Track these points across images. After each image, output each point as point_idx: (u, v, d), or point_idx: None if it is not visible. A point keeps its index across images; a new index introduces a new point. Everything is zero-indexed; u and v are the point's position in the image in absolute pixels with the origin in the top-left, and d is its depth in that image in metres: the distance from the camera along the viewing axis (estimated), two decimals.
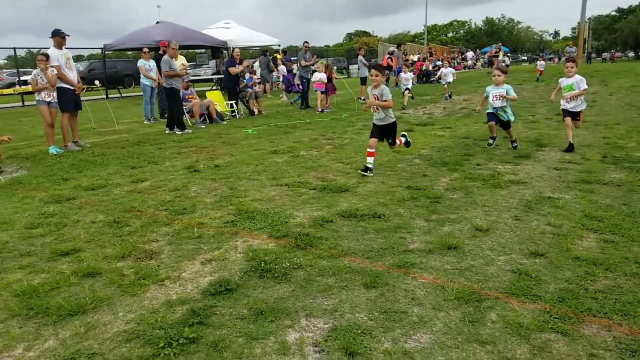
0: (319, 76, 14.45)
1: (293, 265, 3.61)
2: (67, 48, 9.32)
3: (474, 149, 7.80)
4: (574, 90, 7.35)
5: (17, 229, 4.69)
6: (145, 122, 13.36)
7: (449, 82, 17.48)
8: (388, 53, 21.62)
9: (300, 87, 16.24)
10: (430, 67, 26.46)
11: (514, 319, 2.86)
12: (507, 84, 7.58)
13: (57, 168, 7.52)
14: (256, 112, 14.31)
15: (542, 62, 25.82)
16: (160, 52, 12.82)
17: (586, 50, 42.84)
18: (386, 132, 6.42)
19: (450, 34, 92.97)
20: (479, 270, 3.50)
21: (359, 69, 18.87)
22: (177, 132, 10.95)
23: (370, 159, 6.27)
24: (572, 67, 7.43)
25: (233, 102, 13.95)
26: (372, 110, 6.43)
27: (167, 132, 11.11)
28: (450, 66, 27.06)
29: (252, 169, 6.94)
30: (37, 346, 2.73)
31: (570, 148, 7.30)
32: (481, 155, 7.31)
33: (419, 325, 2.82)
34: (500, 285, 3.28)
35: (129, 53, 34.73)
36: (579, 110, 7.46)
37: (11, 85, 26.45)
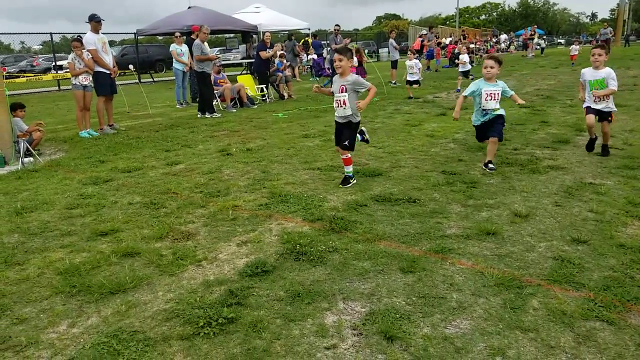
0: None
1: (328, 249, 3.59)
2: (102, 33, 9.46)
3: (510, 133, 7.59)
4: (605, 87, 5.76)
5: (57, 209, 4.81)
6: (177, 106, 13.52)
7: (465, 72, 14.81)
8: (419, 36, 21.21)
9: (330, 71, 16.11)
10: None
11: (557, 307, 2.78)
12: (500, 80, 5.71)
13: (93, 151, 7.68)
14: (286, 96, 14.29)
15: (576, 47, 23.18)
16: (193, 36, 12.88)
17: (625, 32, 41.06)
18: (347, 130, 5.09)
19: (483, 17, 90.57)
20: (519, 256, 3.42)
21: (389, 53, 18.60)
22: (207, 116, 11.04)
23: (348, 167, 5.19)
24: (599, 56, 5.73)
25: (263, 86, 13.95)
26: (334, 105, 5.11)
27: (199, 116, 11.22)
28: (470, 52, 26.32)
29: (283, 153, 6.94)
30: (81, 323, 2.80)
31: (606, 149, 5.99)
32: (518, 140, 7.12)
33: (458, 310, 2.78)
34: (542, 272, 3.19)
35: (159, 38, 35.15)
36: (608, 111, 5.90)
37: (47, 70, 27.13)
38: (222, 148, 7.40)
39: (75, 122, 9.55)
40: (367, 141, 5.84)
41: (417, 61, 13.21)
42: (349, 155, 5.15)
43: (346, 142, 5.05)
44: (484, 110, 5.57)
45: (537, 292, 2.94)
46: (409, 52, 14.00)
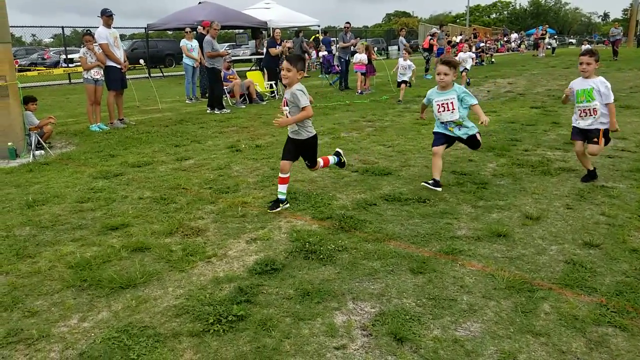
0: (359, 57, 14.24)
1: (338, 248, 3.59)
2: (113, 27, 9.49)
3: (521, 134, 7.55)
4: (593, 100, 4.76)
5: (68, 203, 4.84)
6: (187, 102, 13.54)
7: (467, 69, 14.77)
8: (429, 34, 21.09)
9: (339, 67, 16.07)
10: (474, 49, 25.67)
11: (569, 311, 2.76)
12: (457, 84, 4.91)
13: (104, 145, 7.72)
14: None
15: (587, 47, 23.36)
16: (203, 32, 12.89)
17: (637, 33, 40.56)
18: (303, 150, 4.59)
19: (494, 15, 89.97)
20: (530, 259, 3.39)
21: (399, 50, 18.52)
22: (216, 112, 11.05)
23: (282, 187, 4.49)
24: (588, 64, 4.74)
25: (273, 82, 13.94)
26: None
27: (208, 111, 11.23)
28: (471, 50, 26.08)
29: None
30: (91, 317, 2.81)
31: (590, 175, 5.06)
32: (529, 141, 7.06)
33: (469, 313, 2.76)
34: (553, 275, 3.17)
35: (169, 33, 35.19)
36: (595, 128, 4.82)
37: (57, 63, 27.27)
38: (231, 144, 7.41)
39: (86, 115, 9.60)
40: (342, 164, 5.22)
41: (411, 63, 12.73)
42: (321, 162, 4.79)
43: (309, 163, 4.72)
44: (442, 123, 4.85)
45: (548, 296, 2.92)
46: (403, 52, 13.41)
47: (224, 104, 11.57)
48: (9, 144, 6.96)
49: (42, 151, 7.21)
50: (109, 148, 7.44)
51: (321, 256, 3.46)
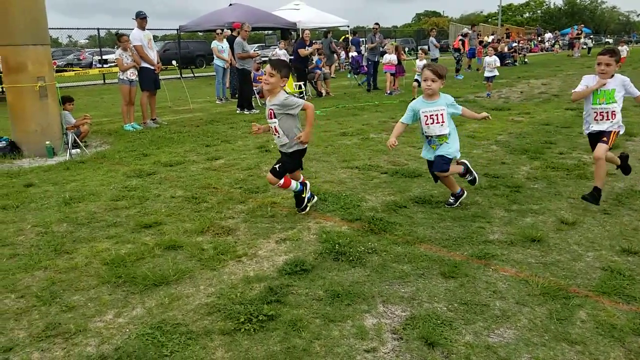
0: (389, 58, 14.16)
1: (367, 250, 3.57)
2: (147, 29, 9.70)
3: (555, 136, 7.37)
4: (614, 102, 4.27)
5: (103, 201, 4.96)
6: (217, 102, 13.72)
7: (489, 78, 13.03)
8: (461, 35, 20.81)
9: (368, 68, 16.01)
10: (506, 49, 25.22)
11: (606, 320, 2.68)
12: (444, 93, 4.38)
13: (137, 144, 7.89)
14: (324, 94, 14.29)
15: (624, 48, 21.38)
16: (234, 33, 13.04)
17: None
18: (286, 157, 4.22)
19: (527, 14, 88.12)
20: (565, 265, 3.31)
21: (429, 50, 18.35)
22: (245, 112, 11.17)
23: (292, 185, 4.28)
24: (608, 65, 4.21)
25: (301, 83, 13.99)
26: (272, 132, 4.24)
27: (237, 111, 11.36)
28: (513, 51, 25.47)
29: (321, 151, 6.94)
30: (126, 313, 2.88)
31: (595, 195, 4.25)
32: (564, 144, 6.89)
33: (502, 319, 2.71)
34: (590, 282, 3.08)
35: (200, 34, 35.71)
36: (611, 130, 4.34)
37: (90, 64, 28.04)
38: (261, 144, 7.47)
39: (120, 115, 9.83)
40: (303, 207, 4.43)
41: (495, 57, 13.01)
42: (282, 181, 4.19)
43: (276, 168, 4.13)
44: (428, 137, 4.31)
45: (584, 304, 2.84)
46: (420, 51, 13.13)
47: (253, 104, 11.68)
48: (47, 142, 7.19)
49: (78, 150, 7.42)
50: (142, 147, 7.59)
51: (351, 258, 3.45)
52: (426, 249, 3.60)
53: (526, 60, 26.44)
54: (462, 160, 4.59)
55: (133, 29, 9.50)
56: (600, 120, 4.34)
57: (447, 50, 30.86)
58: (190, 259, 3.56)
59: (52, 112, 7.47)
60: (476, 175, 4.65)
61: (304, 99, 13.56)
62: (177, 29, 23.83)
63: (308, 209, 4.41)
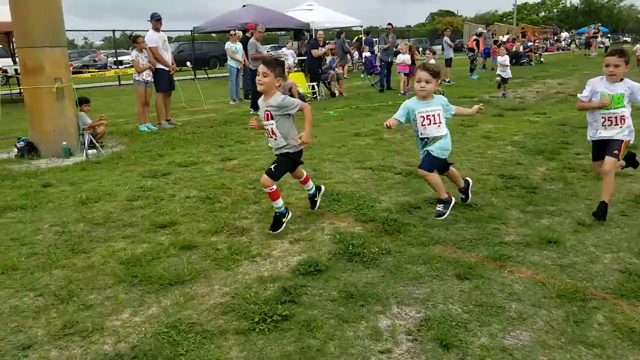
0: (403, 58, 14.11)
1: (381, 251, 3.57)
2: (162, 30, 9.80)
3: (572, 136, 7.28)
4: (623, 106, 4.00)
5: (119, 201, 5.02)
6: (231, 103, 13.79)
7: (505, 79, 12.45)
8: (475, 34, 20.65)
9: (380, 68, 15.97)
10: (521, 49, 24.98)
11: (624, 323, 2.64)
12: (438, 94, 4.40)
13: (152, 144, 7.96)
14: (337, 94, 14.28)
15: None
16: (248, 34, 13.09)
17: None
18: (281, 158, 4.04)
19: (543, 13, 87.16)
20: (582, 267, 3.27)
21: (443, 50, 18.25)
22: (258, 113, 11.20)
23: (276, 202, 4.00)
24: (616, 66, 3.98)
25: (315, 83, 14.01)
26: (265, 134, 4.12)
27: (251, 112, 11.41)
28: (529, 50, 25.10)
29: (335, 151, 6.94)
30: (142, 312, 2.91)
31: (604, 211, 4.02)
32: (581, 144, 6.80)
33: (517, 321, 2.69)
34: (607, 285, 3.04)
35: (213, 35, 35.94)
36: (618, 139, 4.04)
37: (105, 65, 28.39)
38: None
39: (136, 116, 9.93)
40: (313, 203, 4.46)
41: (435, 62, 11.50)
42: (275, 187, 3.95)
43: (271, 168, 3.93)
44: (423, 139, 4.12)
45: (602, 306, 2.81)
46: (427, 52, 12.10)
47: None
48: (64, 143, 7.29)
49: (95, 150, 7.51)
50: (157, 148, 7.66)
51: (365, 259, 3.45)
52: (441, 250, 3.58)
53: (542, 59, 26.15)
54: (466, 179, 4.52)
55: (148, 31, 9.60)
56: (609, 125, 4.04)
57: (462, 50, 30.66)
58: (205, 259, 3.59)
59: (68, 113, 7.57)
60: (470, 196, 4.48)
61: (316, 99, 13.64)
62: (191, 30, 24.01)
63: (283, 226, 4.02)
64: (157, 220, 4.36)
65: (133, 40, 9.52)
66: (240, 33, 14.10)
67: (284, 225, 4.00)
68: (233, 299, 3.00)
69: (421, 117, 4.02)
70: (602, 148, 4.11)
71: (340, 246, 3.67)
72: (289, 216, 4.06)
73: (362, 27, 27.08)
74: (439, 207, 4.08)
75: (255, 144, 7.72)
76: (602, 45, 32.03)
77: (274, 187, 3.95)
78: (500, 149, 6.68)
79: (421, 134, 4.08)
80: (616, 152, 3.99)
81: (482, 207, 4.40)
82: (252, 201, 4.85)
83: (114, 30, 23.73)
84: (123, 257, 3.62)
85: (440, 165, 4.21)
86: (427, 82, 3.97)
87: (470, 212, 4.31)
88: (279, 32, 31.56)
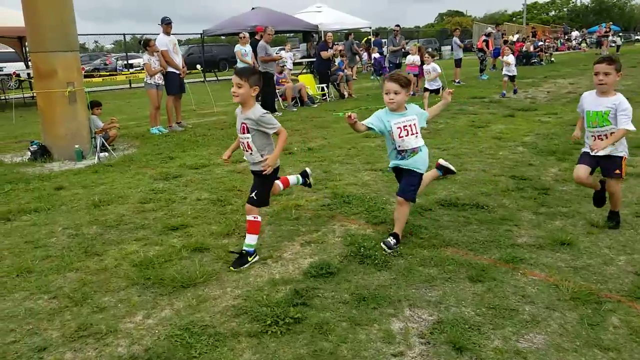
0: (412, 59, 14.07)
1: (393, 253, 3.56)
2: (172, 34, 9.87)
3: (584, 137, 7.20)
4: (608, 124, 3.70)
5: (131, 203, 5.06)
6: None
7: (510, 76, 12.47)
8: (484, 34, 20.54)
9: (389, 70, 15.96)
10: (532, 48, 24.81)
11: None
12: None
13: (163, 147, 8.01)
14: (346, 95, 14.29)
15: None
16: (257, 37, 13.13)
17: None
18: (259, 180, 3.70)
19: (553, 13, 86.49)
20: (596, 269, 3.24)
21: (452, 51, 18.18)
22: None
23: (250, 238, 3.60)
24: (606, 74, 3.68)
25: (324, 85, 14.02)
26: (241, 146, 3.74)
27: None
28: (539, 50, 24.91)
29: (344, 153, 6.94)
30: (155, 314, 2.93)
31: (615, 219, 3.93)
32: None
33: (531, 324, 2.67)
34: (622, 287, 3.01)
35: (222, 38, 36.12)
36: (617, 155, 3.77)
37: (114, 69, 28.65)
38: (284, 147, 7.49)
39: (147, 119, 10.00)
40: (309, 185, 4.52)
41: (436, 65, 10.79)
42: (258, 217, 3.65)
43: (253, 196, 3.61)
44: (400, 152, 3.75)
45: (617, 309, 2.78)
46: (427, 55, 11.36)
47: (276, 107, 11.75)
48: (76, 146, 7.36)
49: (107, 153, 7.57)
50: (168, 150, 7.71)
51: (376, 261, 3.44)
52: (453, 252, 3.56)
53: (553, 59, 25.95)
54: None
55: (159, 34, 9.67)
56: (597, 144, 3.73)
57: (471, 50, 30.51)
58: (217, 261, 3.60)
59: (81, 117, 7.65)
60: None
61: (326, 100, 13.66)
62: (200, 33, 24.15)
63: (248, 265, 3.55)
64: (169, 223, 4.39)
65: (144, 44, 9.60)
66: (248, 35, 14.14)
67: (248, 264, 3.53)
68: (245, 301, 3.01)
69: (398, 128, 3.68)
70: (588, 158, 3.85)
71: (351, 248, 3.67)
72: (256, 259, 3.60)
73: (370, 28, 27.09)
74: (391, 241, 3.67)
75: None
76: (613, 44, 31.73)
77: (259, 217, 3.65)
78: (512, 150, 6.63)
79: (399, 146, 3.71)
80: (618, 172, 3.78)
81: (493, 209, 4.38)
82: None
83: (124, 34, 23.95)
84: (135, 260, 3.65)
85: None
86: (396, 94, 3.64)
87: (482, 214, 4.29)
88: (287, 34, 31.62)
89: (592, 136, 3.84)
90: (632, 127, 3.61)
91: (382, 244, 3.66)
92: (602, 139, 3.73)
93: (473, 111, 10.35)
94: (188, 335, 2.66)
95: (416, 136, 3.72)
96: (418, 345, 2.52)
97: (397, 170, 3.86)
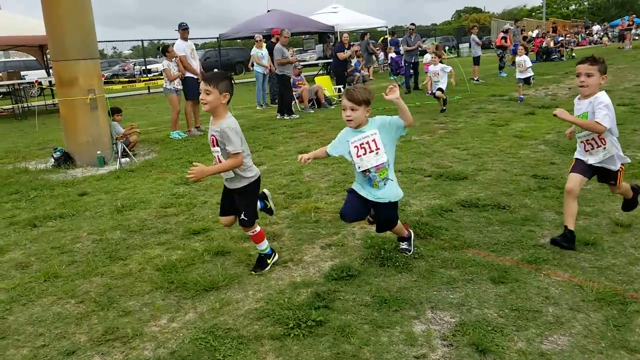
0: (430, 57, 13.98)
1: (414, 255, 3.55)
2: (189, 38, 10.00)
3: None
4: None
5: (153, 208, 5.14)
6: (257, 108, 13.93)
7: (525, 79, 11.29)
8: (502, 31, 20.31)
9: (404, 70, 15.87)
10: (552, 44, 24.42)
11: None
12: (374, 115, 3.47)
13: (183, 151, 8.12)
14: None
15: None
16: (273, 40, 13.21)
17: None
18: (240, 199, 3.47)
19: (573, 7, 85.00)
20: (621, 269, 3.18)
21: (470, 48, 18.01)
22: (285, 118, 11.30)
23: (261, 245, 3.57)
24: (588, 75, 3.41)
25: (341, 86, 14.03)
26: (214, 162, 3.52)
27: (278, 117, 11.51)
28: (560, 45, 24.48)
29: None
30: (179, 318, 2.98)
31: (567, 239, 3.53)
32: None
33: (555, 326, 2.64)
34: None
35: (239, 41, 36.42)
36: (610, 168, 3.56)
37: (132, 75, 29.07)
38: (302, 149, 7.53)
39: (166, 124, 10.15)
40: (270, 211, 3.95)
41: (443, 65, 10.50)
42: (258, 229, 3.54)
43: (243, 217, 3.43)
44: (364, 172, 3.36)
45: None
46: (433, 55, 10.88)
47: (293, 109, 11.80)
48: (98, 152, 7.50)
49: (128, 159, 7.70)
50: (188, 155, 7.81)
51: (397, 263, 3.44)
52: (474, 253, 3.54)
53: (574, 54, 25.50)
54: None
55: (177, 40, 9.81)
56: (591, 149, 3.53)
57: (490, 47, 30.19)
58: (238, 265, 3.64)
59: (102, 123, 7.79)
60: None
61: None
62: (217, 37, 24.37)
63: (269, 267, 3.57)
64: (191, 227, 4.45)
65: (163, 51, 9.74)
66: (261, 38, 14.22)
67: (269, 266, 3.55)
68: (267, 304, 3.04)
69: (355, 147, 3.33)
70: (582, 167, 3.58)
71: (371, 251, 3.68)
72: (276, 258, 3.63)
73: (387, 27, 27.00)
74: (404, 245, 3.65)
75: (283, 149, 7.79)
76: (637, 38, 31.06)
77: (257, 228, 3.53)
78: (533, 149, 6.55)
79: (359, 167, 3.35)
80: (613, 182, 3.64)
81: (515, 209, 4.33)
82: (282, 206, 4.89)
83: (142, 40, 24.30)
84: (159, 264, 3.71)
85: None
86: (352, 110, 3.27)
87: (503, 214, 4.25)
88: (303, 36, 31.70)
89: (581, 142, 3.60)
90: (605, 124, 3.29)
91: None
92: (591, 145, 3.51)
93: (493, 109, 10.25)
94: (212, 338, 2.70)
95: (376, 153, 3.27)
96: (440, 348, 2.51)
97: (355, 200, 3.44)
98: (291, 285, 3.26)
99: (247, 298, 3.15)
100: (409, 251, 3.62)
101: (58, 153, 7.66)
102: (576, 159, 3.66)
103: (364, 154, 3.30)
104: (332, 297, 3.06)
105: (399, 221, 3.56)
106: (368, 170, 3.33)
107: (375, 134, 3.30)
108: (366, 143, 3.30)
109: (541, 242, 3.66)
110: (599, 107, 3.35)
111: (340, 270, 3.37)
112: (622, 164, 3.61)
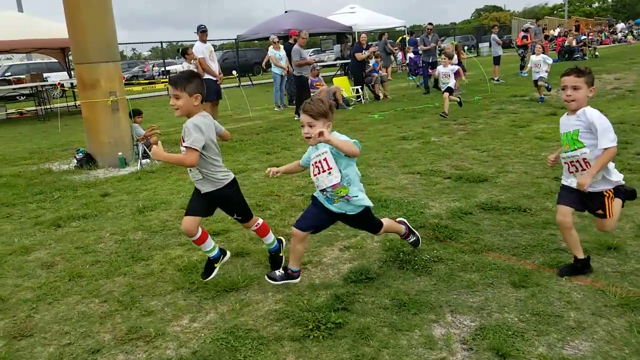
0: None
1: (433, 258, 3.54)
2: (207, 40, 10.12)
3: (631, 135, 6.95)
4: (581, 146, 3.07)
5: (174, 209, 5.21)
6: (275, 109, 14.01)
7: (542, 78, 10.96)
8: (523, 30, 20.05)
9: (422, 70, 15.78)
10: (574, 43, 24.03)
11: None
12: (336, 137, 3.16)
13: None
14: (382, 97, 14.24)
15: None
16: (291, 41, 13.27)
17: None
18: (217, 205, 3.44)
19: (596, 4, 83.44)
20: None
21: (490, 48, 17.83)
22: None
23: (268, 239, 3.59)
24: (575, 88, 3.07)
25: (359, 87, 14.02)
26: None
27: (296, 118, 11.54)
28: (583, 44, 24.06)
29: (381, 156, 6.93)
30: (201, 318, 3.02)
31: (576, 268, 3.18)
32: None
33: (577, 331, 2.61)
34: None
35: (256, 42, 36.64)
36: (597, 191, 3.12)
37: (151, 77, 29.47)
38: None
39: None
40: (279, 259, 3.70)
41: (453, 67, 10.36)
42: (260, 221, 3.56)
43: (237, 218, 3.48)
44: (323, 191, 3.17)
45: None
46: (443, 56, 10.51)
47: None
48: (119, 153, 7.63)
49: (148, 160, 7.82)
50: None
51: (416, 266, 3.44)
52: (494, 257, 3.52)
53: (597, 53, 25.04)
54: (401, 219, 3.73)
55: (195, 42, 9.93)
56: (576, 172, 3.14)
57: (511, 46, 29.82)
58: (258, 266, 3.68)
59: (123, 125, 7.92)
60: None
61: (361, 102, 13.65)
62: (235, 39, 24.56)
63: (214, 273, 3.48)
64: (210, 228, 4.49)
65: (183, 53, 9.87)
66: (276, 37, 14.28)
67: (283, 260, 3.59)
68: (286, 305, 3.06)
69: (312, 165, 3.16)
70: (573, 195, 3.17)
71: (390, 253, 3.68)
72: (285, 245, 3.70)
73: (405, 27, 26.87)
74: (410, 240, 3.63)
75: (301, 150, 7.81)
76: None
77: (260, 221, 3.54)
78: (554, 151, 6.42)
79: (317, 186, 3.19)
80: (601, 212, 3.18)
81: (536, 212, 4.29)
82: (300, 208, 4.92)
83: (161, 42, 24.64)
84: (180, 264, 3.77)
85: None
86: (310, 126, 3.00)
87: (524, 217, 4.21)
88: (320, 36, 31.74)
89: (565, 164, 3.21)
90: (614, 143, 2.95)
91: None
92: (575, 167, 3.13)
93: (513, 110, 10.14)
94: (233, 338, 2.74)
95: (329, 173, 3.04)
96: (460, 352, 2.51)
97: (315, 212, 3.33)
98: (310, 287, 3.29)
99: (267, 299, 3.18)
100: (418, 242, 3.63)
101: (80, 154, 7.81)
102: (562, 186, 3.28)
103: (318, 173, 3.11)
104: (351, 299, 3.07)
105: (388, 220, 3.46)
106: (325, 190, 3.13)
107: (326, 153, 3.05)
108: (319, 162, 3.10)
109: (563, 245, 3.61)
110: (602, 132, 2.97)
111: (359, 272, 3.39)
112: (609, 189, 3.13)
